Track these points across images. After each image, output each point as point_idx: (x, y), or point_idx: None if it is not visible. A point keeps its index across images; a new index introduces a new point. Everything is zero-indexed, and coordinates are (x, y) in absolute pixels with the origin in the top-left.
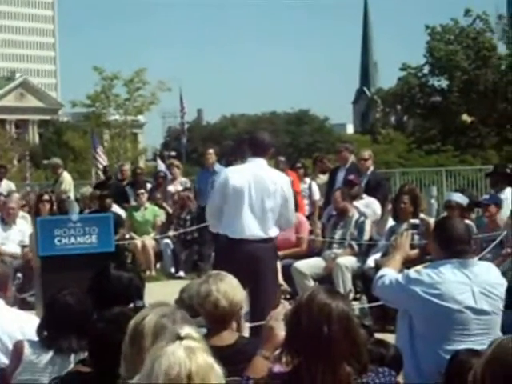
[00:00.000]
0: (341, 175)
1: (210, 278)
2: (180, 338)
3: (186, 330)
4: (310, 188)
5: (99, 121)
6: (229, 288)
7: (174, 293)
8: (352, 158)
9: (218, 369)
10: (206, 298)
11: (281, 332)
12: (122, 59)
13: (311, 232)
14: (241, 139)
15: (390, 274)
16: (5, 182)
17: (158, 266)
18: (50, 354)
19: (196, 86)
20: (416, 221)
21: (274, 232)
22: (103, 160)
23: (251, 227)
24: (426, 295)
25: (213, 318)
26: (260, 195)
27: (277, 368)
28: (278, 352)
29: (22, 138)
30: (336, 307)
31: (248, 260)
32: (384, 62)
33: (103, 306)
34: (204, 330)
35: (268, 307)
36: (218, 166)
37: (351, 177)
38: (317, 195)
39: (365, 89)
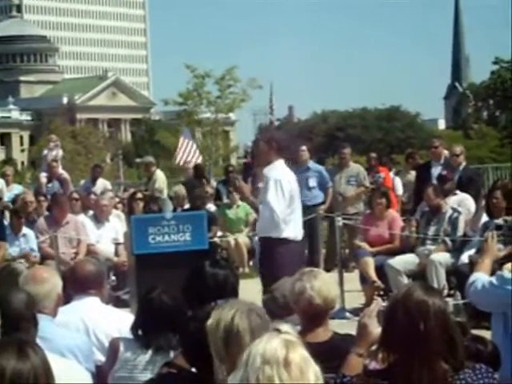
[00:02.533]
0: (435, 171)
1: (304, 275)
2: (279, 332)
3: (285, 327)
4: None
5: (191, 119)
6: (323, 285)
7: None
8: (445, 154)
9: (316, 366)
10: (301, 295)
11: (374, 329)
12: (213, 57)
13: (403, 228)
14: (333, 136)
15: (481, 278)
16: (100, 180)
17: (251, 263)
18: (149, 352)
19: (287, 82)
20: (508, 218)
21: None
22: (192, 156)
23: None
24: None
25: (307, 316)
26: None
27: (372, 365)
28: (373, 349)
29: (114, 137)
30: (433, 304)
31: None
32: (476, 56)
33: (199, 304)
34: (298, 328)
35: None
36: (311, 163)
37: (444, 172)
38: (400, 190)
39: (456, 84)
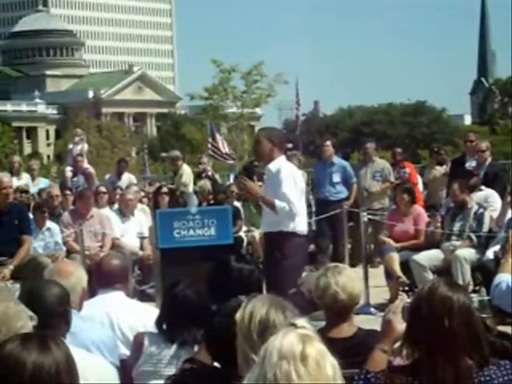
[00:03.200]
0: (470, 165)
1: (329, 270)
2: (295, 327)
3: (300, 321)
4: None
5: (216, 113)
6: (348, 281)
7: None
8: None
9: (333, 359)
10: (325, 291)
11: (399, 325)
12: (239, 52)
13: (428, 224)
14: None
15: (505, 278)
16: (126, 175)
17: None
18: (174, 347)
19: (313, 78)
20: None
21: None
22: (223, 147)
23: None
24: None
25: (332, 311)
26: None
27: (397, 361)
28: (398, 345)
29: (139, 131)
30: (457, 300)
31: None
32: (502, 51)
33: (224, 298)
34: (323, 323)
35: None
36: (336, 159)
37: (471, 167)
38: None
39: (482, 79)
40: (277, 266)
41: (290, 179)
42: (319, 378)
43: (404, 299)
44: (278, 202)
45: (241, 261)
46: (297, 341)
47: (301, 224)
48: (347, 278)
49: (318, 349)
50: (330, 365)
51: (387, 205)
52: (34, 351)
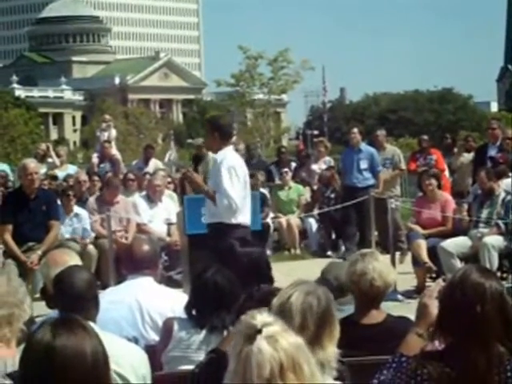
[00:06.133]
0: (492, 153)
1: (366, 256)
2: (259, 331)
3: (259, 319)
4: None
5: (243, 100)
6: (384, 268)
7: (319, 272)
8: (501, 136)
9: (303, 343)
10: (362, 276)
11: (434, 310)
12: (266, 39)
13: (455, 211)
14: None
15: None
16: (153, 161)
17: (303, 244)
18: (204, 332)
19: (339, 64)
20: None
21: None
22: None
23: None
24: None
25: (366, 297)
26: None
27: (430, 346)
28: (431, 330)
29: (166, 118)
30: (489, 287)
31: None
32: None
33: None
34: (351, 309)
35: None
36: (363, 145)
37: (498, 155)
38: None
39: (509, 66)
40: (219, 256)
41: (231, 172)
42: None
43: (440, 283)
44: (218, 198)
45: (246, 245)
46: (271, 354)
47: (242, 216)
48: (383, 265)
49: (288, 347)
50: (305, 362)
51: (398, 192)
52: (66, 337)
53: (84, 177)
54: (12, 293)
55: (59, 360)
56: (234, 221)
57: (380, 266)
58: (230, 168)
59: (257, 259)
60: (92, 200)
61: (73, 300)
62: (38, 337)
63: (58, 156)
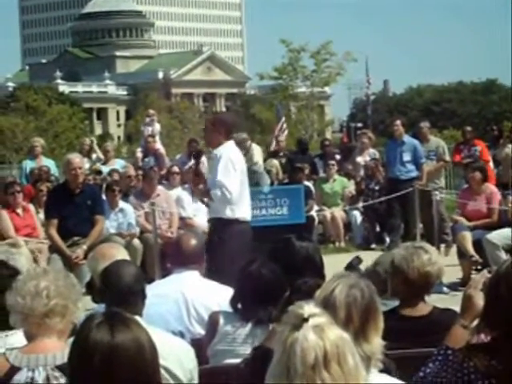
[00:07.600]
0: None
1: (420, 248)
2: (305, 320)
3: (306, 309)
4: None
5: (286, 93)
6: (437, 259)
7: (364, 264)
8: None
9: (348, 337)
10: (419, 268)
11: (480, 301)
12: (308, 32)
13: (501, 202)
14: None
15: None
16: None
17: (347, 237)
18: (249, 325)
19: (382, 56)
20: None
21: None
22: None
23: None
24: None
25: (414, 289)
26: None
27: (475, 339)
28: (477, 322)
29: (209, 111)
30: None
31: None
32: None
33: (290, 278)
34: (396, 302)
35: None
36: (406, 137)
37: None
38: None
39: None
40: (215, 251)
41: (228, 165)
42: (346, 377)
43: (485, 275)
44: (213, 191)
45: (302, 240)
46: (316, 343)
47: (241, 211)
48: (435, 256)
49: (335, 339)
50: (350, 354)
51: (442, 184)
52: (124, 334)
53: (132, 172)
54: (68, 287)
55: (123, 357)
56: (231, 215)
57: (434, 257)
58: (228, 161)
59: (312, 255)
60: (132, 196)
61: (120, 294)
62: (96, 337)
63: (106, 152)
